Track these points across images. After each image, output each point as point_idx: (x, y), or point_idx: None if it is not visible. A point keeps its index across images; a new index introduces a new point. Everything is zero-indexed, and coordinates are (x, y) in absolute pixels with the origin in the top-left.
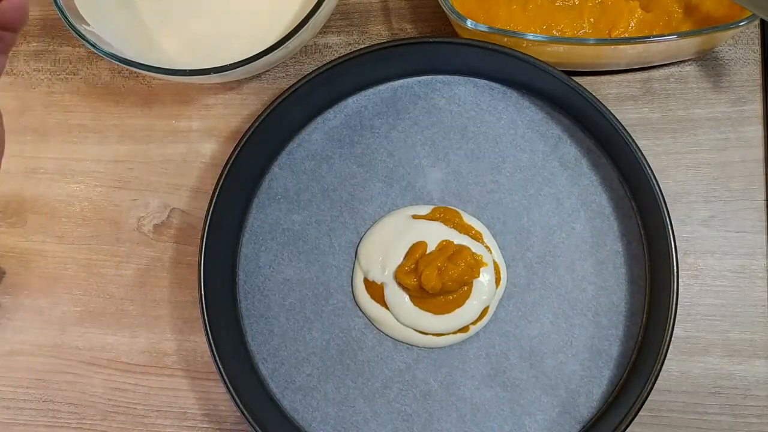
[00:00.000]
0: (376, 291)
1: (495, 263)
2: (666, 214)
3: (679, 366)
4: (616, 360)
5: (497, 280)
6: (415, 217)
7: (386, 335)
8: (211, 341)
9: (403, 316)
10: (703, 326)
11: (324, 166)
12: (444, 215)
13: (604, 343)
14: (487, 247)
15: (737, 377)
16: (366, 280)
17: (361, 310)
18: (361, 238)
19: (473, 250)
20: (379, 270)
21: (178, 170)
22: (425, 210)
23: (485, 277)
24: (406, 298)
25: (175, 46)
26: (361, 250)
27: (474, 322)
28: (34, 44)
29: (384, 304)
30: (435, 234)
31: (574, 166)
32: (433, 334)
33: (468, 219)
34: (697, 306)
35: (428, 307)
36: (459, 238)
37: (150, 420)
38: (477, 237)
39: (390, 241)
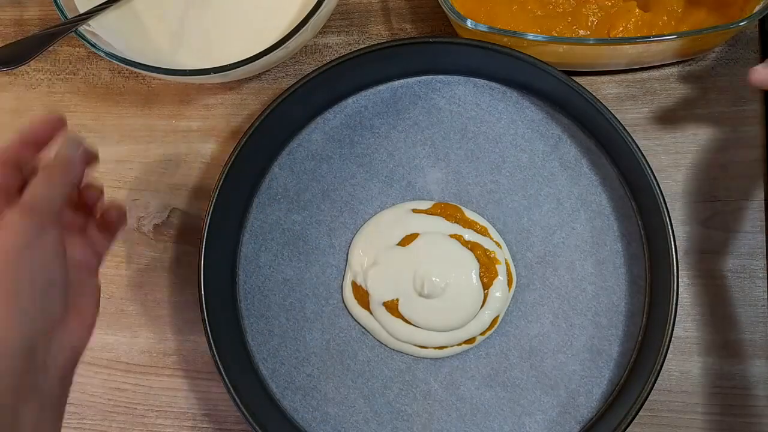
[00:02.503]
0: (363, 297)
1: (506, 261)
2: (666, 214)
3: (679, 366)
4: (616, 360)
5: (509, 282)
6: (415, 211)
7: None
8: (211, 341)
9: (398, 332)
10: (703, 326)
11: (324, 166)
12: (445, 210)
13: (604, 343)
14: (497, 243)
15: (737, 377)
16: (354, 284)
17: (353, 318)
18: (355, 235)
19: (485, 247)
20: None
21: (178, 170)
22: (426, 205)
23: (499, 279)
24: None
25: (174, 46)
26: (352, 247)
27: (483, 333)
28: None
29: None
30: (435, 228)
31: (574, 166)
32: (435, 348)
33: (470, 215)
34: (697, 306)
35: None
36: (468, 234)
37: (150, 420)
38: (483, 232)
39: (382, 234)
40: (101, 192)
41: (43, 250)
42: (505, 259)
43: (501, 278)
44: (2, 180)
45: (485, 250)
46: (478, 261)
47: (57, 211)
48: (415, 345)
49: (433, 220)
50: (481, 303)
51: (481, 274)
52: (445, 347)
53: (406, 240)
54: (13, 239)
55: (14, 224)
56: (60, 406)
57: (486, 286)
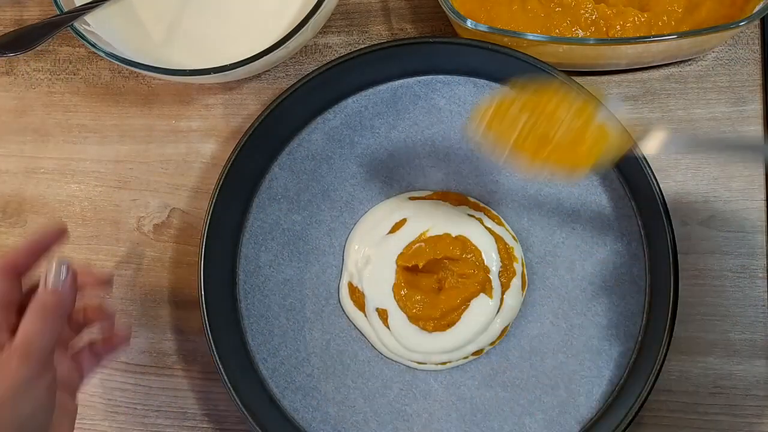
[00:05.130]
0: (360, 299)
1: (521, 260)
2: (666, 214)
3: (679, 366)
4: (616, 360)
5: (523, 283)
6: (412, 198)
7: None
8: (211, 341)
9: (391, 345)
10: (703, 326)
11: (324, 166)
12: (446, 196)
13: (604, 343)
14: (513, 237)
15: (737, 377)
16: (351, 286)
17: (351, 321)
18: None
19: (505, 240)
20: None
21: (178, 170)
22: (425, 192)
23: (514, 282)
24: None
25: (174, 46)
26: (348, 244)
27: (492, 342)
28: None
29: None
30: (434, 212)
31: None
32: (437, 363)
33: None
34: (697, 306)
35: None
36: (487, 221)
37: (150, 420)
38: (496, 219)
39: (376, 227)
40: (111, 318)
41: (35, 398)
42: (521, 258)
43: (516, 281)
44: (3, 291)
45: (505, 245)
46: (499, 255)
47: (51, 351)
48: (413, 360)
49: (432, 204)
50: (495, 312)
51: (500, 273)
52: (448, 362)
53: (396, 227)
54: (8, 383)
55: (10, 369)
56: None
57: (504, 287)
